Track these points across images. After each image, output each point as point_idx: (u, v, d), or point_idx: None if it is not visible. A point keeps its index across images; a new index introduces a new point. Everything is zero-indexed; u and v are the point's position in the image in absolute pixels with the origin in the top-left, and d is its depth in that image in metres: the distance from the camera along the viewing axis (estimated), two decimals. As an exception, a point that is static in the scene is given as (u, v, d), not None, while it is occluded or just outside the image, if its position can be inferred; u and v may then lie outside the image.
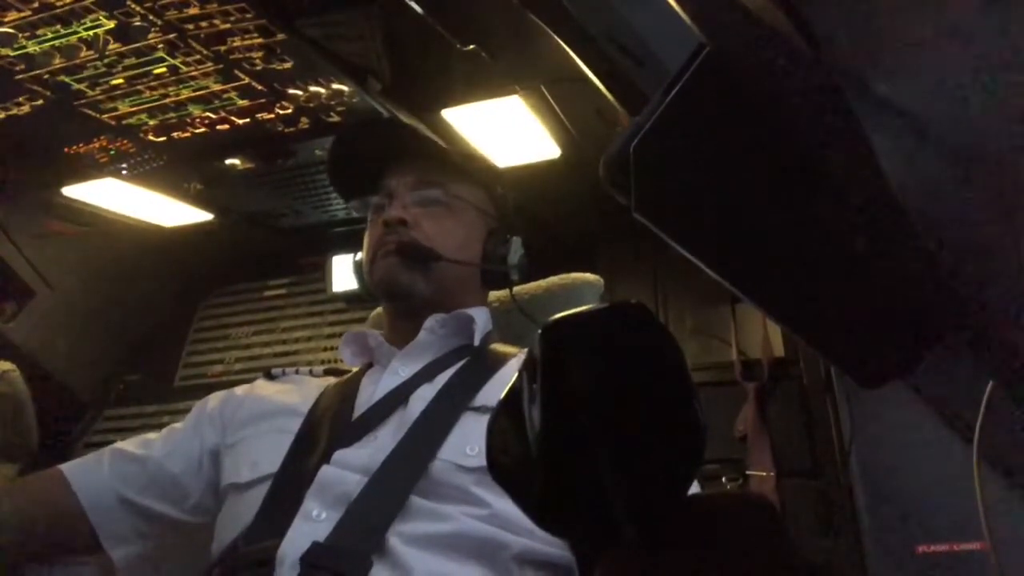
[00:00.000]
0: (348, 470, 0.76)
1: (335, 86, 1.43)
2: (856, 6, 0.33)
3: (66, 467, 0.90)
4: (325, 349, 2.31)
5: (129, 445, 0.95)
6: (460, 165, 1.07)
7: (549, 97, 1.54)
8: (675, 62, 0.34)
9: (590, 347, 0.31)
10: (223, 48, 1.30)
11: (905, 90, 0.35)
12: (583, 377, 0.31)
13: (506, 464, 0.34)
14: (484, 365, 0.92)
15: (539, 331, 0.31)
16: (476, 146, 1.71)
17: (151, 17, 1.20)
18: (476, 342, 0.97)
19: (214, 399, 1.00)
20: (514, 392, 0.34)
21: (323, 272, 2.31)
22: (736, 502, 0.32)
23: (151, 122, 1.54)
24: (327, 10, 1.24)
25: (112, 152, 1.67)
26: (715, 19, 0.34)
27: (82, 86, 1.39)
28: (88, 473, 0.90)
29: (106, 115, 1.50)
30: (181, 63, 1.34)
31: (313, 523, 0.72)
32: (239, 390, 1.01)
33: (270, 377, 1.03)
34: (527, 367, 0.32)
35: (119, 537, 0.89)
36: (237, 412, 0.95)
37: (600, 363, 0.31)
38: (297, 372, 1.04)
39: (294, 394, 0.96)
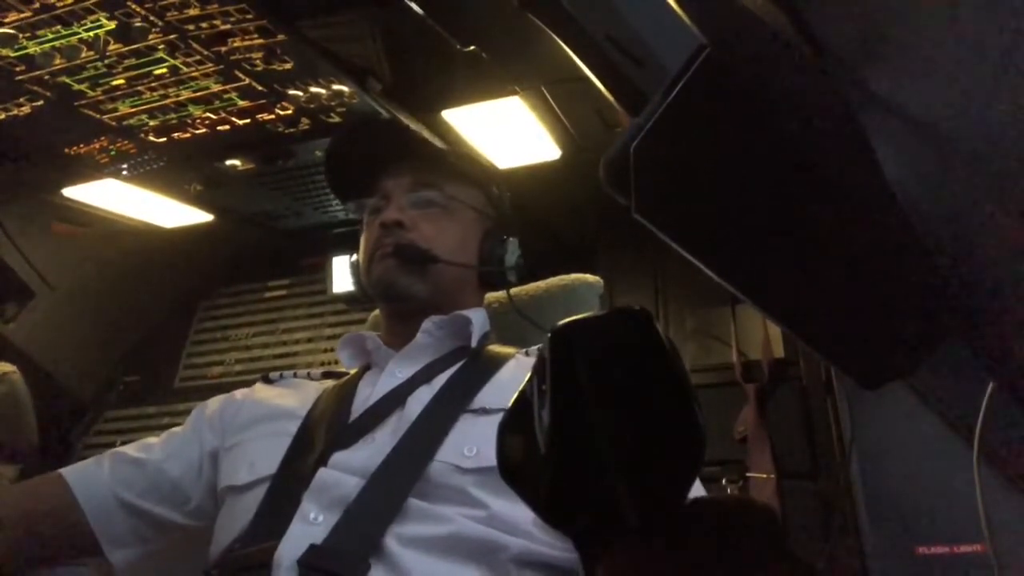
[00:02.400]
0: (346, 472, 0.76)
1: (335, 87, 1.43)
2: (856, 7, 0.33)
3: (66, 471, 0.90)
4: (325, 350, 2.31)
5: (129, 449, 0.95)
6: (457, 166, 1.07)
7: (549, 98, 1.54)
8: (675, 63, 0.34)
9: (596, 350, 0.32)
10: (223, 49, 1.30)
11: (906, 90, 0.35)
12: (590, 379, 0.31)
13: (516, 463, 0.35)
14: (481, 367, 0.92)
15: (549, 335, 0.32)
16: (476, 147, 1.71)
17: (151, 18, 1.21)
18: (473, 344, 0.97)
19: (213, 403, 1.00)
20: (524, 394, 0.35)
21: (323, 273, 2.32)
22: (737, 504, 0.32)
23: (151, 123, 1.54)
24: (327, 11, 1.24)
25: (112, 153, 1.67)
26: (715, 20, 0.34)
27: (83, 87, 1.39)
28: (88, 477, 0.90)
29: (107, 116, 1.50)
30: (181, 64, 1.34)
31: (310, 526, 0.72)
32: (238, 394, 1.01)
33: (268, 381, 1.03)
34: (537, 369, 0.34)
35: (119, 541, 0.89)
36: (236, 416, 0.95)
37: (606, 366, 0.32)
38: (295, 375, 1.04)
39: (292, 397, 0.96)
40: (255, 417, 0.93)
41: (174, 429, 0.99)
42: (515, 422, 0.35)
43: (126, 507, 0.89)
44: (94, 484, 0.89)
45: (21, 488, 0.91)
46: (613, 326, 0.33)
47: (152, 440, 0.97)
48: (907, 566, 1.25)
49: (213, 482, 0.91)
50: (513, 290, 1.10)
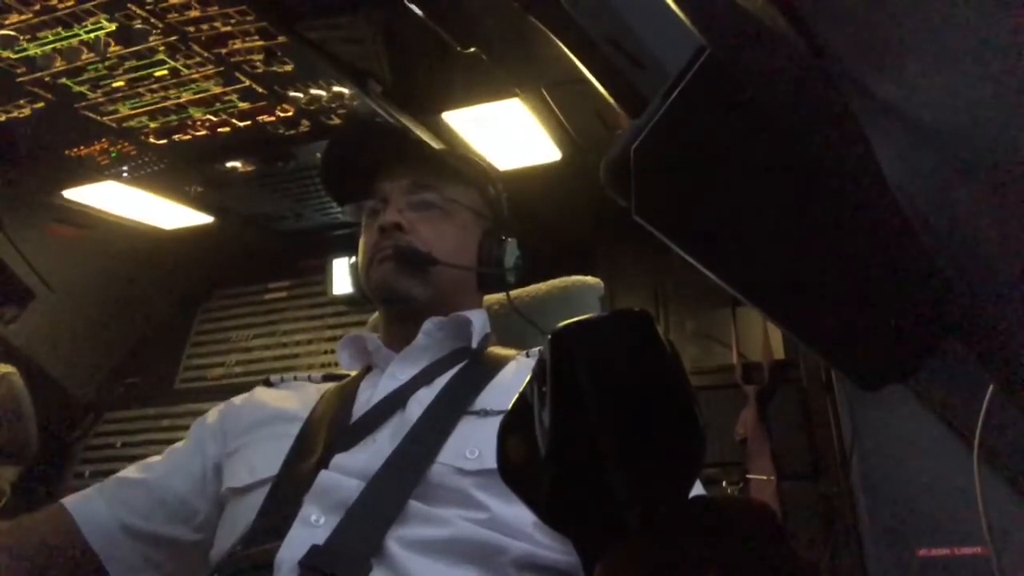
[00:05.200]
0: (346, 475, 0.76)
1: (336, 89, 1.44)
2: (856, 8, 0.33)
3: (68, 502, 0.89)
4: (326, 352, 2.31)
5: (131, 471, 0.94)
6: (455, 167, 1.07)
7: (549, 100, 1.54)
8: (675, 65, 0.34)
9: (596, 352, 0.32)
10: (224, 51, 1.30)
11: (906, 92, 0.35)
12: (590, 381, 0.32)
13: (516, 464, 0.35)
14: (482, 368, 0.92)
15: (549, 336, 0.32)
16: (476, 149, 1.71)
17: (152, 20, 1.21)
18: (474, 345, 0.97)
19: (212, 413, 1.00)
20: (524, 396, 0.35)
21: (323, 275, 2.32)
22: (736, 504, 0.32)
23: (152, 125, 1.55)
24: (328, 13, 1.24)
25: (113, 155, 1.67)
26: (715, 21, 0.34)
27: (83, 88, 1.39)
28: (90, 506, 0.89)
29: (107, 118, 1.50)
30: (182, 66, 1.34)
31: (311, 528, 0.71)
32: (237, 400, 1.00)
33: (268, 385, 1.03)
34: (537, 371, 0.34)
35: (128, 567, 0.88)
36: (237, 421, 0.95)
37: (605, 367, 0.32)
38: (296, 378, 1.04)
39: (293, 400, 0.95)
40: (256, 421, 0.93)
41: (175, 445, 0.98)
42: (515, 424, 0.35)
43: (132, 533, 0.88)
44: (97, 513, 0.88)
45: (23, 523, 0.89)
46: (613, 328, 0.33)
47: (153, 459, 0.96)
48: (908, 568, 1.25)
49: (219, 492, 0.91)
50: (513, 292, 1.10)
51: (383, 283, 0.97)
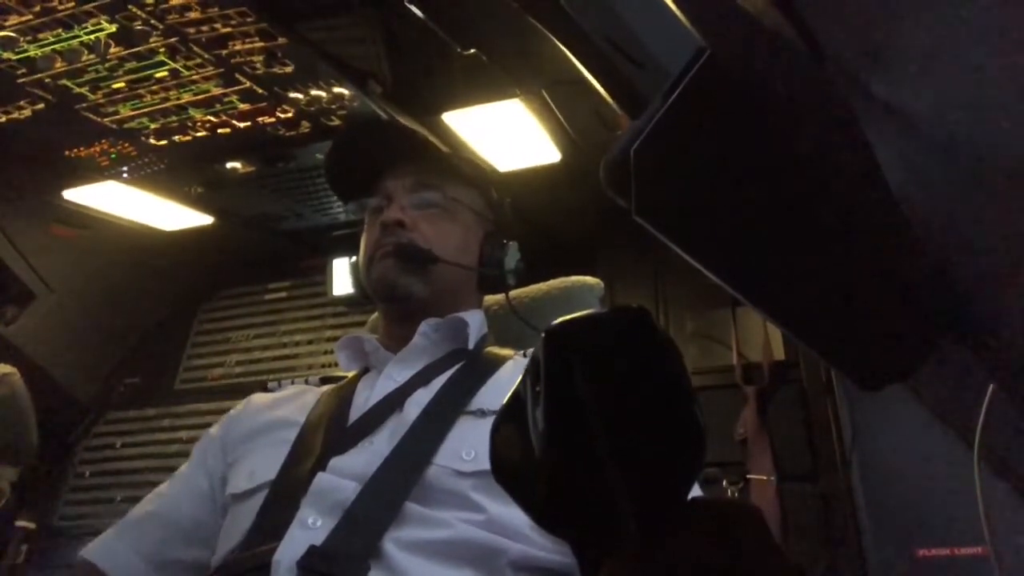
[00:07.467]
0: (344, 477, 0.76)
1: (336, 90, 1.44)
2: (856, 9, 0.33)
3: (89, 553, 0.90)
4: (325, 352, 2.31)
5: (141, 507, 0.95)
6: (458, 168, 1.07)
7: (549, 101, 1.54)
8: (675, 65, 0.34)
9: (592, 350, 0.32)
10: (224, 52, 1.30)
11: (906, 93, 0.35)
12: (586, 379, 0.31)
13: (510, 466, 0.35)
14: (479, 369, 0.92)
15: (543, 334, 0.32)
16: (477, 150, 1.71)
17: (152, 21, 1.21)
18: (470, 346, 0.97)
19: (213, 429, 1.01)
20: (517, 395, 0.34)
21: (323, 275, 2.32)
22: (732, 507, 0.32)
23: (152, 126, 1.55)
24: (328, 14, 1.24)
25: (113, 156, 1.67)
26: (715, 22, 0.34)
27: (83, 90, 1.39)
28: (111, 550, 0.90)
29: (107, 119, 1.50)
30: (182, 67, 1.34)
31: (309, 530, 0.71)
32: (234, 411, 1.01)
33: (266, 391, 1.04)
34: (530, 370, 0.33)
35: None
36: (236, 431, 0.95)
37: (602, 366, 0.31)
38: (293, 383, 1.05)
39: (290, 405, 0.96)
40: (255, 428, 0.93)
41: (180, 470, 0.99)
42: (508, 423, 0.35)
43: (157, 565, 0.89)
44: (121, 556, 0.89)
45: None
46: (610, 325, 0.33)
47: (161, 487, 0.97)
48: (908, 568, 1.25)
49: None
50: (513, 292, 1.10)
51: (383, 279, 0.97)
